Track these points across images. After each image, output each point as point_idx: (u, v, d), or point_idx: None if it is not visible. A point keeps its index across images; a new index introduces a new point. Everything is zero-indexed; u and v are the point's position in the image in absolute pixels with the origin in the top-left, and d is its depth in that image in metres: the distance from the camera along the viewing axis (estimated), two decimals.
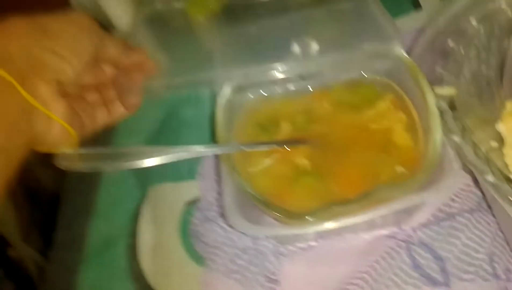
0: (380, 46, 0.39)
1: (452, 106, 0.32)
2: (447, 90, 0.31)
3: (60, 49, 0.28)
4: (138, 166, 0.33)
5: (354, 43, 0.40)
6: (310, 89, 0.43)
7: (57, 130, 0.29)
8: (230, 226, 0.41)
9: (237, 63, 0.39)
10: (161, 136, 0.51)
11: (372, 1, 0.43)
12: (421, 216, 0.37)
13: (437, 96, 0.32)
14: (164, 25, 0.48)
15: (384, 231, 0.38)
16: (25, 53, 0.27)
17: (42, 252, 0.76)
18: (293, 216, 0.32)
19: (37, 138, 0.28)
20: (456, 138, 0.30)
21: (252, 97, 0.42)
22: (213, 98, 0.52)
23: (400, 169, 0.34)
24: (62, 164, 0.31)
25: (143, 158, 0.33)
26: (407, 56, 0.38)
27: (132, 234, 0.44)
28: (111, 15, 0.49)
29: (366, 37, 0.41)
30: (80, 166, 0.31)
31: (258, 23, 0.45)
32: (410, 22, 0.54)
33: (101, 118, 0.35)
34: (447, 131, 0.31)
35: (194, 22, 0.48)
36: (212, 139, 0.49)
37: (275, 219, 0.39)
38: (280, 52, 0.40)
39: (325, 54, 0.39)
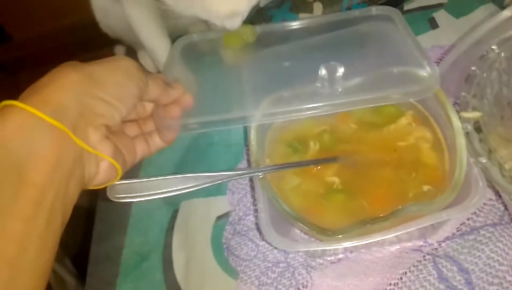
0: (408, 68, 0.39)
1: (477, 128, 0.33)
2: (472, 114, 0.33)
3: (108, 97, 0.30)
4: (175, 193, 0.36)
5: (381, 65, 0.41)
6: None
7: (105, 170, 0.31)
8: (263, 240, 0.43)
9: (268, 92, 0.40)
10: (190, 154, 0.53)
11: (399, 22, 0.45)
12: (446, 230, 0.39)
13: (463, 119, 0.34)
14: (199, 56, 0.49)
15: (410, 244, 0.40)
16: (77, 103, 0.28)
17: (78, 265, 0.79)
18: (326, 233, 0.34)
19: (88, 180, 0.30)
20: (483, 160, 0.31)
21: None
22: None
23: (427, 187, 0.36)
24: (114, 197, 0.33)
25: (179, 186, 0.36)
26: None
27: (166, 247, 0.47)
28: (149, 47, 0.51)
29: (394, 59, 0.41)
30: (128, 197, 0.34)
31: (287, 48, 0.47)
32: (428, 39, 0.56)
33: (141, 150, 0.37)
34: (473, 152, 0.33)
35: (228, 52, 0.49)
36: (239, 156, 0.51)
37: (306, 233, 0.41)
38: (308, 77, 0.42)
39: (352, 78, 0.40)
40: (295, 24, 0.50)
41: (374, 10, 0.49)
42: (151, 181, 0.35)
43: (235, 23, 0.42)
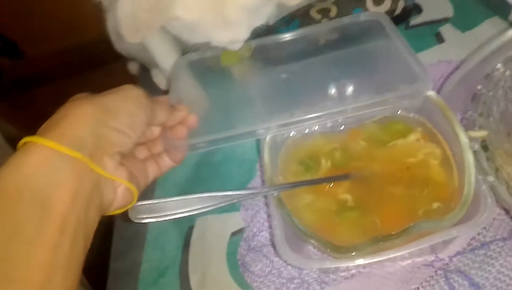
0: (409, 86, 0.41)
1: (484, 146, 0.34)
2: (479, 133, 0.34)
3: (121, 126, 0.32)
4: (193, 213, 0.37)
5: (385, 83, 0.43)
6: (344, 127, 0.46)
7: (122, 195, 0.33)
8: (277, 256, 0.44)
9: (275, 110, 0.42)
10: (203, 170, 0.55)
11: (399, 40, 0.46)
12: (457, 245, 0.40)
13: (471, 138, 0.35)
14: (200, 74, 0.51)
15: (422, 260, 0.41)
16: (93, 134, 0.30)
17: (92, 281, 0.80)
18: (339, 250, 0.35)
19: (106, 206, 0.32)
20: (490, 178, 0.32)
21: (293, 134, 0.46)
22: None
23: (436, 204, 0.37)
24: (136, 218, 0.35)
25: (196, 206, 0.38)
26: (437, 96, 0.41)
27: (182, 263, 0.48)
28: (163, 67, 0.53)
29: (395, 77, 0.43)
30: (148, 218, 0.35)
31: (292, 66, 0.49)
32: (434, 54, 0.57)
33: (152, 172, 0.38)
34: (481, 171, 0.34)
35: (227, 68, 0.51)
36: (251, 172, 0.53)
37: (319, 250, 0.42)
38: (316, 94, 0.43)
39: (359, 95, 0.42)
40: (288, 36, 0.51)
41: (362, 16, 0.51)
42: (170, 202, 0.37)
43: (237, 46, 0.44)
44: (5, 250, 0.25)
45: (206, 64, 0.52)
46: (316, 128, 0.46)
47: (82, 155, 0.29)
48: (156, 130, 0.41)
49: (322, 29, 0.52)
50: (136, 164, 0.36)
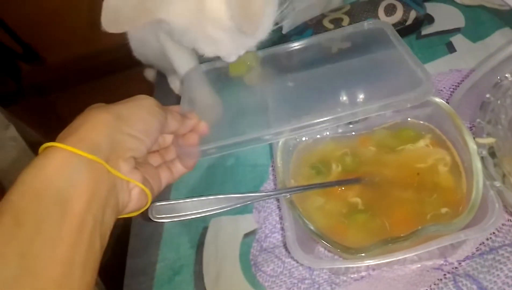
0: (412, 91, 0.41)
1: (492, 153, 0.35)
2: (487, 140, 0.35)
3: (135, 132, 0.34)
4: (209, 214, 0.39)
5: (390, 89, 0.43)
6: (355, 133, 0.47)
7: (136, 197, 0.35)
8: (288, 257, 0.46)
9: (283, 117, 0.44)
10: (217, 174, 0.57)
11: (403, 48, 0.47)
12: (466, 250, 0.41)
13: (478, 145, 0.36)
14: (213, 80, 0.53)
15: (431, 263, 0.41)
16: (109, 140, 0.32)
17: (105, 279, 0.82)
18: (349, 251, 0.36)
19: (122, 208, 0.34)
20: (498, 184, 0.33)
21: (304, 139, 0.47)
22: None
23: (445, 209, 0.38)
24: (155, 217, 0.37)
25: (212, 207, 0.39)
26: (446, 104, 0.42)
27: (197, 263, 0.50)
28: (181, 73, 0.55)
29: (400, 83, 0.44)
30: (167, 218, 0.37)
31: (300, 74, 0.50)
32: (445, 63, 0.58)
33: (165, 177, 0.40)
34: (488, 176, 0.35)
35: (239, 77, 0.53)
36: (264, 176, 0.54)
37: (330, 251, 0.43)
38: (323, 101, 0.45)
39: (365, 101, 0.43)
40: (295, 45, 0.53)
41: (366, 24, 0.53)
42: (187, 202, 0.39)
43: (230, 59, 0.46)
44: (27, 247, 0.27)
45: (218, 73, 0.54)
46: (327, 134, 0.48)
47: (98, 158, 0.31)
48: (169, 138, 0.43)
49: (327, 37, 0.54)
50: (150, 170, 0.38)
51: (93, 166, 0.31)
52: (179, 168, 0.42)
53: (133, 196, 0.34)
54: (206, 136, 0.43)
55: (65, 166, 0.30)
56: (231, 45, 0.44)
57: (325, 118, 0.41)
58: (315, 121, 0.41)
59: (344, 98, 0.46)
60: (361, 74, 0.49)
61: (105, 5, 0.39)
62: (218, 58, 0.47)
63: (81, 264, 0.28)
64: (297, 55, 0.54)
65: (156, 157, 0.42)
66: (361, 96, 0.45)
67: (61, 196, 0.29)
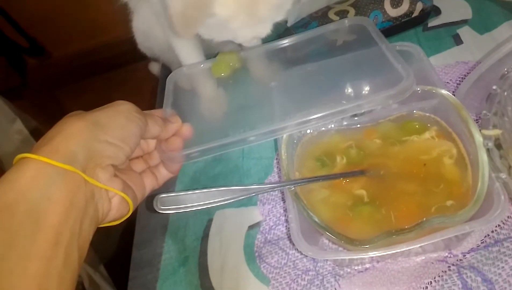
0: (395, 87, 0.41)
1: (498, 145, 0.35)
2: (493, 132, 0.35)
3: (113, 139, 0.33)
4: (214, 205, 0.39)
5: (376, 85, 0.44)
6: (360, 125, 0.47)
7: (117, 206, 0.34)
8: (293, 249, 0.46)
9: (294, 109, 0.43)
10: (222, 166, 0.57)
11: (384, 44, 0.46)
12: (471, 242, 0.41)
13: (484, 136, 0.36)
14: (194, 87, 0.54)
15: (435, 255, 0.41)
16: (85, 148, 0.31)
17: (112, 271, 0.83)
18: (354, 243, 0.36)
19: (102, 217, 0.33)
20: (503, 176, 0.33)
21: (309, 131, 0.47)
22: None
23: (450, 202, 0.38)
24: (160, 209, 0.37)
25: (217, 199, 0.39)
26: (452, 96, 0.42)
27: (201, 254, 0.50)
28: (181, 59, 0.55)
29: (383, 79, 0.44)
30: (172, 209, 0.37)
31: (309, 66, 0.50)
32: (452, 55, 0.58)
33: (149, 183, 0.40)
34: (494, 168, 0.35)
35: (219, 79, 0.53)
36: (269, 169, 0.54)
37: (334, 243, 0.44)
38: (333, 94, 0.45)
39: (375, 94, 0.43)
40: (277, 44, 0.53)
41: (347, 21, 0.53)
42: (192, 194, 0.39)
43: (258, 41, 0.46)
44: (0, 263, 0.26)
45: (198, 77, 0.54)
46: (332, 126, 0.48)
47: (74, 168, 0.30)
48: (152, 143, 0.42)
49: (309, 36, 0.53)
50: (133, 176, 0.37)
51: (69, 176, 0.30)
52: (163, 173, 0.42)
53: (114, 205, 0.34)
54: (192, 139, 0.42)
55: (39, 177, 0.29)
56: (271, 22, 0.43)
57: (327, 112, 0.41)
58: (307, 118, 0.41)
59: (353, 90, 0.46)
60: (345, 73, 0.48)
61: (173, 12, 0.39)
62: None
63: (57, 278, 0.28)
64: (278, 55, 0.53)
65: (139, 163, 0.41)
66: (369, 88, 0.46)
67: (34, 209, 0.28)
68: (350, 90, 0.46)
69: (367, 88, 0.46)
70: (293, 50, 0.53)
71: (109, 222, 0.35)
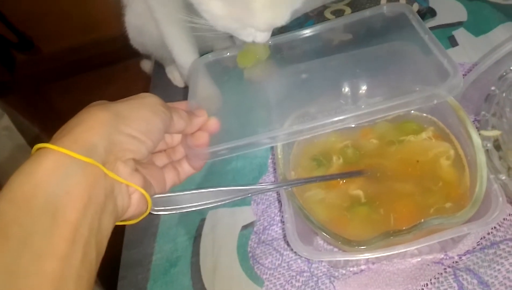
0: (439, 85, 0.38)
1: (497, 146, 0.35)
2: (492, 132, 0.35)
3: (135, 132, 0.31)
4: (208, 206, 0.38)
5: (412, 81, 0.41)
6: (356, 125, 0.46)
7: (136, 202, 0.32)
8: (288, 249, 0.45)
9: (292, 110, 0.42)
10: (216, 166, 0.56)
11: (413, 18, 0.44)
12: (467, 244, 0.40)
13: (483, 137, 0.36)
14: (217, 76, 0.51)
15: (431, 257, 0.41)
16: (106, 141, 0.30)
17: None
18: (350, 243, 0.36)
19: (121, 213, 0.31)
20: (503, 177, 0.33)
21: None
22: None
23: (448, 204, 0.37)
24: (153, 209, 0.36)
25: (211, 199, 0.38)
26: (451, 97, 0.41)
27: (194, 254, 0.49)
28: (180, 62, 0.54)
29: (422, 75, 0.42)
30: (165, 210, 0.36)
31: (309, 64, 0.49)
32: None
33: (170, 179, 0.38)
34: (493, 169, 0.34)
35: (243, 69, 0.50)
36: (263, 168, 0.53)
37: (330, 244, 0.43)
38: (331, 93, 0.44)
39: (374, 95, 0.42)
40: (307, 32, 0.50)
41: (385, 8, 0.49)
42: (185, 195, 0.38)
43: (265, 37, 0.43)
44: (14, 262, 0.24)
45: (222, 65, 0.52)
46: None
47: (94, 161, 0.28)
48: (177, 137, 0.40)
49: (340, 24, 0.51)
50: (154, 171, 0.35)
51: (88, 169, 0.28)
52: (186, 169, 0.40)
53: (134, 201, 0.32)
54: (216, 136, 0.40)
55: (58, 170, 0.27)
56: (289, 8, 0.41)
57: (344, 116, 0.38)
58: (332, 120, 0.38)
59: (360, 92, 0.44)
60: (378, 66, 0.45)
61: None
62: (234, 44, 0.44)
63: (75, 278, 0.26)
64: (305, 44, 0.51)
65: (162, 157, 0.39)
66: (377, 90, 0.43)
67: (52, 203, 0.26)
68: (388, 86, 0.43)
69: (407, 85, 0.42)
70: (320, 40, 0.51)
71: (127, 219, 0.33)
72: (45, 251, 0.25)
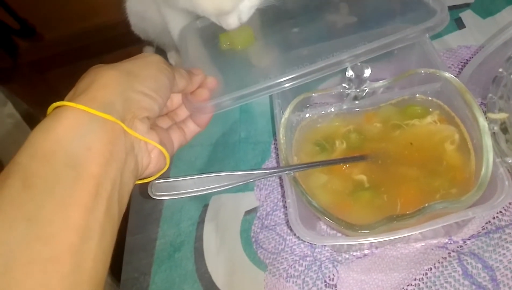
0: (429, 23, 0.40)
1: (504, 128, 0.34)
2: (499, 115, 0.34)
3: (147, 90, 0.32)
4: (210, 191, 0.38)
5: (401, 21, 0.42)
6: (360, 109, 0.46)
7: (156, 159, 0.33)
8: (290, 234, 0.45)
9: (293, 60, 0.41)
10: (218, 151, 0.56)
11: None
12: (472, 228, 0.40)
13: (490, 120, 0.35)
14: (208, 40, 0.50)
15: (435, 242, 0.41)
16: (122, 98, 0.30)
17: None
18: (353, 228, 0.36)
19: (141, 170, 0.32)
20: (509, 160, 0.32)
21: (308, 115, 0.46)
22: (267, 115, 0.57)
23: (453, 189, 0.37)
24: (155, 195, 0.35)
25: (214, 184, 0.38)
26: (456, 79, 0.40)
27: (197, 239, 0.49)
28: (174, 35, 0.53)
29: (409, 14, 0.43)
30: (168, 195, 0.36)
31: (302, 18, 0.48)
32: (454, 39, 0.56)
33: (177, 139, 0.38)
34: (499, 152, 0.34)
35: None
36: (266, 153, 0.53)
37: (333, 229, 0.43)
38: (330, 40, 0.43)
39: (412, 26, 0.40)
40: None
41: None
42: (188, 180, 0.37)
43: (230, 24, 0.43)
44: (36, 210, 0.24)
45: (212, 29, 0.50)
46: (332, 110, 0.46)
47: (114, 118, 0.28)
48: (176, 100, 0.41)
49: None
50: (161, 132, 0.35)
51: (108, 126, 0.28)
52: (191, 128, 0.40)
53: (153, 158, 0.32)
54: (216, 92, 0.40)
55: (78, 126, 0.27)
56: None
57: (341, 58, 0.39)
58: (332, 62, 0.39)
59: (355, 73, 0.44)
60: (367, 9, 0.47)
61: None
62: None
63: (98, 230, 0.26)
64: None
65: (165, 120, 0.40)
66: (372, 72, 0.43)
67: (74, 159, 0.26)
68: (376, 29, 0.43)
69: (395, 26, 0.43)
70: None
71: (147, 176, 0.33)
72: (69, 201, 0.25)
